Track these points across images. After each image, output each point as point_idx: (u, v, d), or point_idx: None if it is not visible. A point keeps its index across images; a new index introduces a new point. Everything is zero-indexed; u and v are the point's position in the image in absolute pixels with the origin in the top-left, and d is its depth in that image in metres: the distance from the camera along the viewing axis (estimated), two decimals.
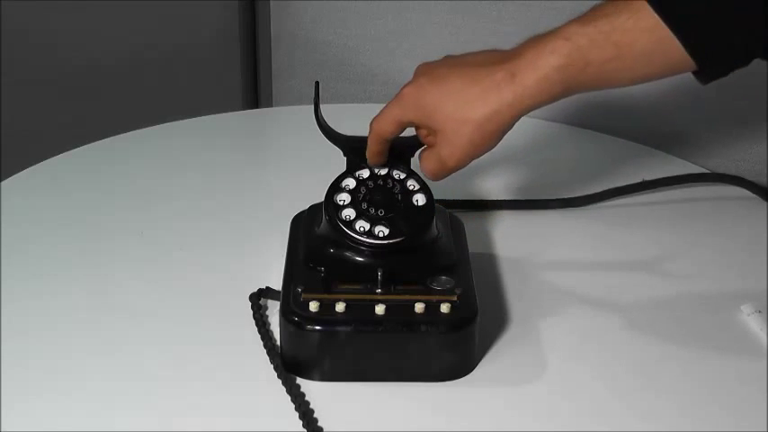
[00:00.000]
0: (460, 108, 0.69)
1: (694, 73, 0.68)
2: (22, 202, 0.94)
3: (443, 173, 0.73)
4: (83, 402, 0.69)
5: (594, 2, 0.68)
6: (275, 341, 0.73)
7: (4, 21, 1.35)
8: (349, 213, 0.75)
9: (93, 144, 1.06)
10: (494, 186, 0.98)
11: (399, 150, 0.77)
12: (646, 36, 0.66)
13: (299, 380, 0.70)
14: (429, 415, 0.69)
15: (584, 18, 0.68)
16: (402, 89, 0.72)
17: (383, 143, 0.74)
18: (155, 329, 0.76)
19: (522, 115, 0.69)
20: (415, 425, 0.68)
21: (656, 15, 0.65)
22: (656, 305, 0.81)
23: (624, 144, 1.09)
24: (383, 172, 0.77)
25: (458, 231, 0.80)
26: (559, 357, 0.74)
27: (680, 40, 0.65)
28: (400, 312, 0.70)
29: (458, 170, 0.73)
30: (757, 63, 0.67)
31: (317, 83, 0.79)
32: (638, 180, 0.97)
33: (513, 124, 0.70)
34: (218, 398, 0.69)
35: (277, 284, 0.75)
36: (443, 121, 0.70)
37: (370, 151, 0.75)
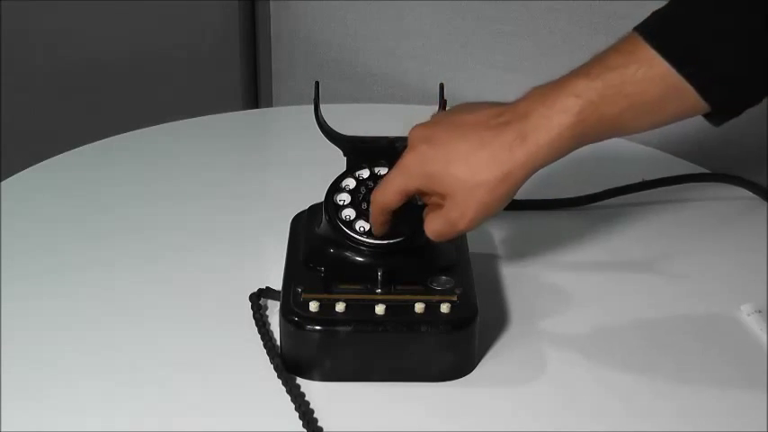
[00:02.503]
0: (470, 172, 0.67)
1: (705, 116, 0.67)
2: (22, 202, 0.94)
3: (452, 235, 0.71)
4: (83, 402, 0.69)
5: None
6: (275, 341, 0.73)
7: (4, 21, 1.35)
8: (349, 213, 0.75)
9: (93, 144, 1.06)
10: None
11: (400, 151, 0.77)
12: (657, 85, 0.64)
13: (299, 380, 0.70)
14: (429, 415, 0.69)
15: (590, 71, 0.66)
16: (402, 159, 0.70)
17: (387, 214, 0.72)
18: (155, 329, 0.76)
19: (536, 171, 0.68)
20: (415, 425, 0.68)
21: (665, 63, 0.64)
22: (656, 305, 0.81)
23: (624, 144, 1.09)
24: (384, 172, 0.77)
25: None
26: (559, 357, 0.74)
27: (693, 86, 0.64)
28: (400, 312, 0.70)
29: (465, 232, 0.72)
30: None
31: (317, 83, 0.79)
32: (638, 180, 0.97)
33: (522, 185, 0.68)
34: (218, 398, 0.69)
35: (277, 284, 0.75)
36: (452, 187, 0.68)
37: (375, 223, 0.73)
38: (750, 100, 0.66)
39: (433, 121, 0.73)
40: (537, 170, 0.68)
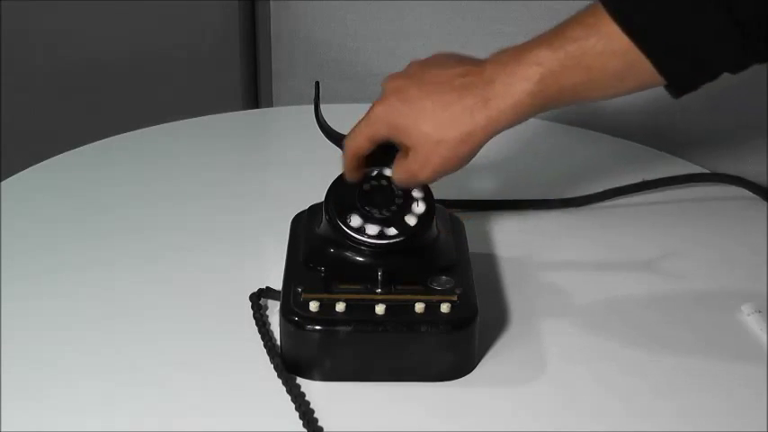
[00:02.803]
0: (433, 129, 0.71)
1: (665, 87, 0.68)
2: (22, 202, 0.94)
3: (413, 184, 0.75)
4: (83, 402, 0.69)
5: (592, 1, 0.68)
6: (275, 341, 0.73)
7: (4, 21, 1.35)
8: (349, 213, 0.75)
9: (93, 144, 1.06)
10: (494, 186, 0.98)
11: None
12: (617, 58, 0.66)
13: (299, 380, 0.70)
14: (429, 415, 0.69)
15: (552, 41, 0.68)
16: (372, 107, 0.74)
17: (358, 159, 0.75)
18: (155, 329, 0.76)
19: (496, 134, 0.71)
20: (415, 425, 0.68)
21: (625, 38, 0.65)
22: (656, 305, 0.81)
23: (624, 144, 1.09)
24: (384, 172, 0.77)
25: (458, 231, 0.80)
26: (559, 357, 0.74)
27: (651, 62, 0.66)
28: (400, 312, 0.70)
29: (426, 183, 0.76)
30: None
31: (317, 83, 0.79)
32: (638, 180, 0.97)
33: (484, 144, 0.72)
34: (218, 398, 0.69)
35: (277, 284, 0.75)
36: (416, 140, 0.72)
37: (347, 168, 0.76)
38: (707, 76, 0.67)
39: (406, 74, 0.76)
40: (497, 133, 0.71)
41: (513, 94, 0.69)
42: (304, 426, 0.66)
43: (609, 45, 0.66)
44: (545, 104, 0.70)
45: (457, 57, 0.75)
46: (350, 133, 0.75)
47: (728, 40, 0.64)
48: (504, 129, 0.71)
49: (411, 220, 0.75)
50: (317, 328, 0.70)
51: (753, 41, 0.64)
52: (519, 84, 0.69)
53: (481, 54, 0.73)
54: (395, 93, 0.74)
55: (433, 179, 0.74)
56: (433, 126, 0.71)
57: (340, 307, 0.70)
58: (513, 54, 0.70)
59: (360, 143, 0.75)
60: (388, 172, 0.76)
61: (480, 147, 0.72)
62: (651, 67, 0.66)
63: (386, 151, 0.75)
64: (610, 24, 0.66)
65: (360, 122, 0.75)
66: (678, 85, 0.68)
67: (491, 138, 0.71)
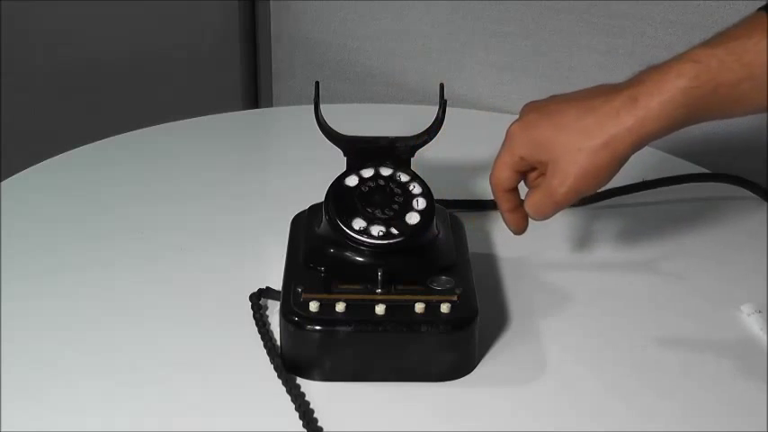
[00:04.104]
0: (575, 137, 0.65)
1: None
2: (22, 202, 0.94)
3: (550, 207, 0.68)
4: (83, 402, 0.69)
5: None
6: (275, 341, 0.74)
7: (4, 21, 1.35)
8: (349, 213, 0.75)
9: (93, 144, 1.06)
10: None
11: (400, 151, 0.78)
12: None
13: (299, 380, 0.70)
14: (429, 415, 0.69)
15: (711, 41, 0.64)
16: (509, 128, 0.68)
17: (509, 195, 0.69)
18: (155, 329, 0.76)
19: (643, 144, 0.65)
20: (415, 425, 0.68)
21: None
22: (656, 305, 0.81)
23: None
24: (385, 172, 0.77)
25: (458, 231, 0.80)
26: (559, 357, 0.74)
27: None
28: (400, 312, 0.70)
29: (565, 205, 0.68)
30: None
31: (317, 83, 0.79)
32: (638, 180, 0.97)
33: (632, 154, 0.65)
34: (218, 398, 0.69)
35: (277, 284, 0.75)
36: (556, 152, 0.66)
37: (504, 211, 0.69)
38: None
39: (548, 98, 0.71)
40: (645, 140, 0.64)
41: (664, 91, 0.63)
42: (304, 426, 0.66)
43: None
44: (697, 106, 0.63)
45: (604, 84, 0.69)
46: (492, 169, 0.69)
47: None
48: (652, 133, 0.64)
49: (411, 220, 0.75)
50: (317, 328, 0.70)
51: None
52: (672, 80, 0.63)
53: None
54: (533, 110, 0.68)
55: (572, 198, 0.66)
56: (573, 134, 0.65)
57: (340, 307, 0.70)
58: (667, 60, 0.65)
59: (502, 173, 0.68)
60: (385, 171, 0.76)
61: (625, 156, 0.65)
62: None
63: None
64: None
65: (498, 153, 0.68)
66: None
67: (638, 145, 0.64)
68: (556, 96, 0.70)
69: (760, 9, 0.65)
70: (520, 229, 0.71)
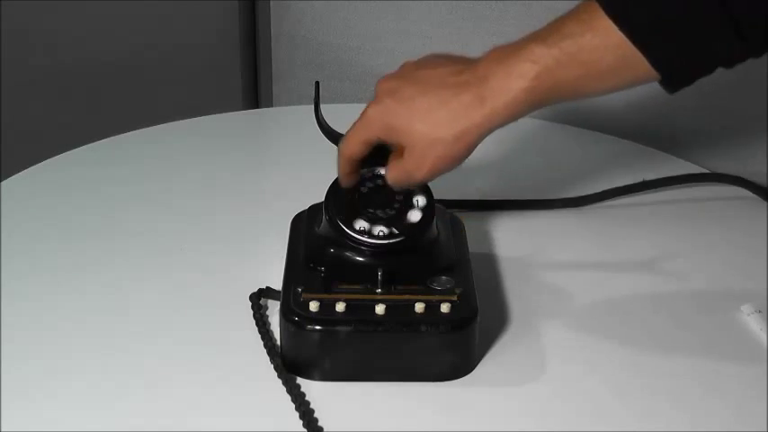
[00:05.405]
0: (429, 128, 0.71)
1: (660, 82, 0.68)
2: (22, 202, 0.94)
3: (408, 183, 0.74)
4: (83, 402, 0.69)
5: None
6: (275, 341, 0.73)
7: (4, 21, 1.35)
8: (349, 213, 0.75)
9: (93, 144, 1.06)
10: (494, 186, 0.98)
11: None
12: (612, 53, 0.66)
13: (299, 380, 0.70)
14: (429, 415, 0.69)
15: (547, 38, 0.68)
16: (366, 109, 0.73)
17: (353, 164, 0.75)
18: (155, 329, 0.76)
19: (491, 132, 0.71)
20: (415, 425, 0.68)
21: (619, 32, 0.65)
22: (656, 305, 0.81)
23: (624, 144, 1.09)
24: (382, 173, 0.77)
25: (458, 231, 0.80)
26: (559, 357, 0.74)
27: (645, 56, 0.66)
28: (400, 312, 0.70)
29: (423, 183, 0.75)
30: (757, 62, 0.67)
31: (318, 83, 0.79)
32: (638, 180, 0.97)
33: (480, 142, 0.71)
34: (218, 398, 0.69)
35: (277, 284, 0.75)
36: (412, 139, 0.71)
37: (341, 173, 0.76)
38: (700, 70, 0.67)
39: (399, 74, 0.75)
40: (493, 131, 0.71)
41: (508, 92, 0.69)
42: (304, 426, 0.66)
43: (603, 40, 0.66)
44: (541, 101, 0.69)
45: (450, 56, 0.75)
46: (344, 138, 0.75)
47: (722, 34, 0.65)
48: (499, 126, 0.71)
49: (411, 220, 0.74)
50: (317, 328, 0.70)
51: (746, 36, 0.64)
52: (514, 81, 0.69)
53: (478, 53, 0.73)
54: (388, 93, 0.73)
55: (429, 178, 0.73)
56: (428, 125, 0.71)
57: (340, 307, 0.70)
58: (508, 51, 0.70)
59: (354, 147, 0.74)
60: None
61: (476, 145, 0.71)
62: (645, 62, 0.66)
63: (380, 152, 0.75)
64: (604, 19, 0.66)
65: (353, 126, 0.74)
66: (672, 79, 0.68)
67: (486, 135, 0.71)
68: (407, 75, 0.75)
69: None
70: (351, 184, 0.76)
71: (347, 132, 0.75)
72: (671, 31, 0.66)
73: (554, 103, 0.71)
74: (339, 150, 0.75)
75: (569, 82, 0.68)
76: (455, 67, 0.72)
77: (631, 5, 0.66)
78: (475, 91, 0.70)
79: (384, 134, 0.73)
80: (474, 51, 0.74)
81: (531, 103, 0.69)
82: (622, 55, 0.66)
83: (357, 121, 0.74)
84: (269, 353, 0.72)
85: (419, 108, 0.71)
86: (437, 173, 0.73)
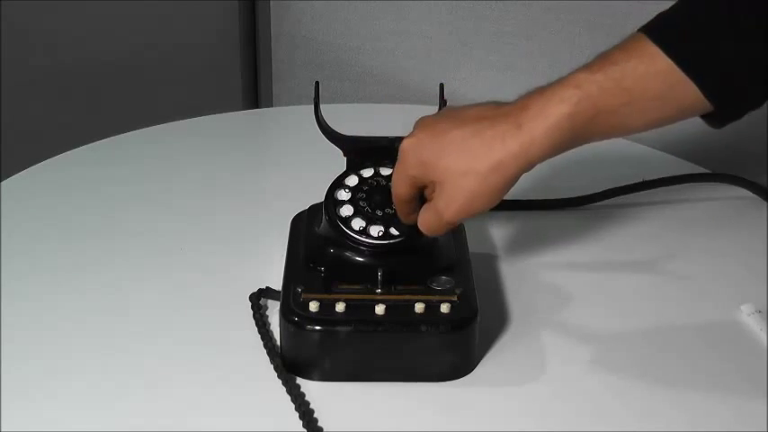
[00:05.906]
0: (462, 160, 0.66)
1: (704, 117, 0.66)
2: (22, 202, 0.94)
3: (439, 227, 0.70)
4: (83, 402, 0.69)
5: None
6: (275, 341, 0.74)
7: (4, 21, 1.35)
8: (349, 213, 0.75)
9: (93, 144, 1.06)
10: None
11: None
12: (658, 80, 0.64)
13: (299, 380, 0.70)
14: (429, 415, 0.69)
15: (592, 66, 0.66)
16: (401, 145, 0.69)
17: (408, 205, 0.71)
18: (155, 329, 0.76)
19: (529, 168, 0.66)
20: (415, 425, 0.68)
21: (667, 59, 0.63)
22: (656, 305, 0.81)
23: (624, 144, 1.09)
24: (384, 172, 0.77)
25: (458, 231, 0.80)
26: (559, 357, 0.74)
27: (696, 84, 0.63)
28: (400, 312, 0.70)
29: (455, 225, 0.70)
30: None
31: (317, 83, 0.79)
32: (638, 180, 0.97)
33: (518, 178, 0.66)
34: (218, 398, 0.69)
35: (277, 284, 0.75)
36: (443, 174, 0.67)
37: (401, 215, 0.72)
38: (753, 102, 0.65)
39: (439, 113, 0.73)
40: (532, 163, 0.66)
41: (548, 117, 0.64)
42: (304, 426, 0.66)
43: (650, 67, 0.64)
44: (581, 131, 0.65)
45: (494, 102, 0.70)
46: (392, 181, 0.71)
47: None
48: (537, 158, 0.65)
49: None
50: (317, 328, 0.70)
51: None
52: (555, 106, 0.64)
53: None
54: (423, 127, 0.69)
55: (459, 218, 0.68)
56: (459, 157, 0.66)
57: (340, 307, 0.70)
58: (553, 83, 0.66)
59: (400, 189, 0.70)
60: (385, 171, 0.76)
61: (513, 179, 0.66)
62: (694, 91, 0.63)
63: None
64: (651, 47, 0.64)
65: (395, 167, 0.70)
66: (724, 111, 0.65)
67: (525, 169, 0.66)
68: (448, 111, 0.72)
69: (640, 29, 0.66)
70: (410, 223, 0.72)
71: (392, 173, 0.71)
72: (723, 60, 0.63)
73: (595, 139, 0.67)
74: (392, 193, 0.72)
75: (612, 110, 0.64)
76: (496, 105, 0.68)
77: (679, 33, 0.64)
78: (513, 120, 0.65)
79: (419, 171, 0.68)
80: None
81: (572, 132, 0.65)
82: (669, 82, 0.64)
83: (397, 161, 0.70)
84: (269, 353, 0.72)
85: (452, 140, 0.66)
86: (469, 211, 0.67)
